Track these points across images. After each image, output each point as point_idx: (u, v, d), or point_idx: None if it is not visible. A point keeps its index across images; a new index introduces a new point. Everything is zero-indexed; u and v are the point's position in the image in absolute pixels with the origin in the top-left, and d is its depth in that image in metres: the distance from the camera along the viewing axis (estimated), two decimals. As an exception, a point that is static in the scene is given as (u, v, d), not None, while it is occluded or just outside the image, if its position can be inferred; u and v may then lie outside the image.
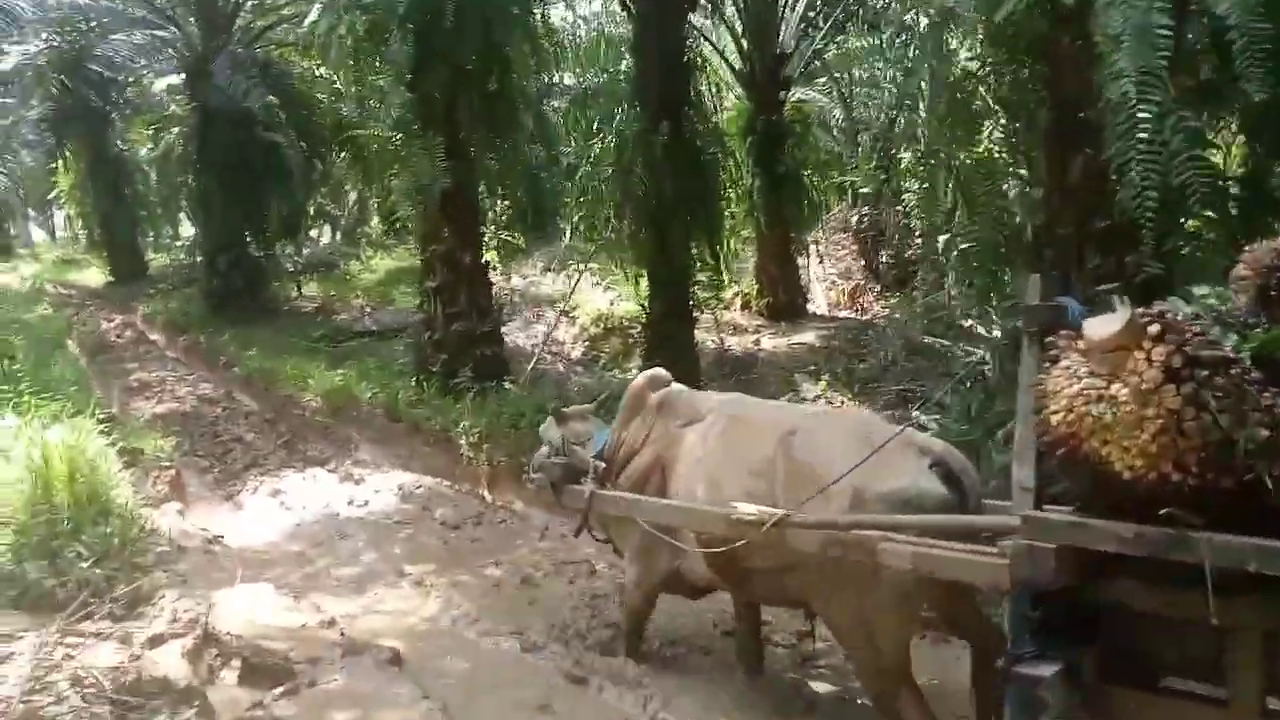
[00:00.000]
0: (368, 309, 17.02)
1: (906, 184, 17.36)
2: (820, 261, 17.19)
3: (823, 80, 17.26)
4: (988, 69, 5.87)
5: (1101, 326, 2.34)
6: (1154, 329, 2.21)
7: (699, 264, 11.01)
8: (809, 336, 13.61)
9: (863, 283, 17.18)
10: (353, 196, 26.24)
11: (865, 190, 17.49)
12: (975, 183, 6.06)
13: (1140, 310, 2.24)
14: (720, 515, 3.61)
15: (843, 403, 11.18)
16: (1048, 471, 2.51)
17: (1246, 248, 2.62)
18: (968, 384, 5.96)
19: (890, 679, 3.58)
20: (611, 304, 14.68)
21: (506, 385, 9.74)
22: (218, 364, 14.20)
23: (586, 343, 13.62)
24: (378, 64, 9.28)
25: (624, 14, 11.90)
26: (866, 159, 17.69)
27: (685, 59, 10.71)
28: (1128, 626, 2.45)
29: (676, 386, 4.74)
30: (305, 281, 19.47)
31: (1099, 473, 2.31)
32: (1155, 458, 2.19)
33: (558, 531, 6.74)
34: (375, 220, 26.25)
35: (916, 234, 17.73)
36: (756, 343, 13.47)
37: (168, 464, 8.17)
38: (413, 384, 10.09)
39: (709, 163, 10.97)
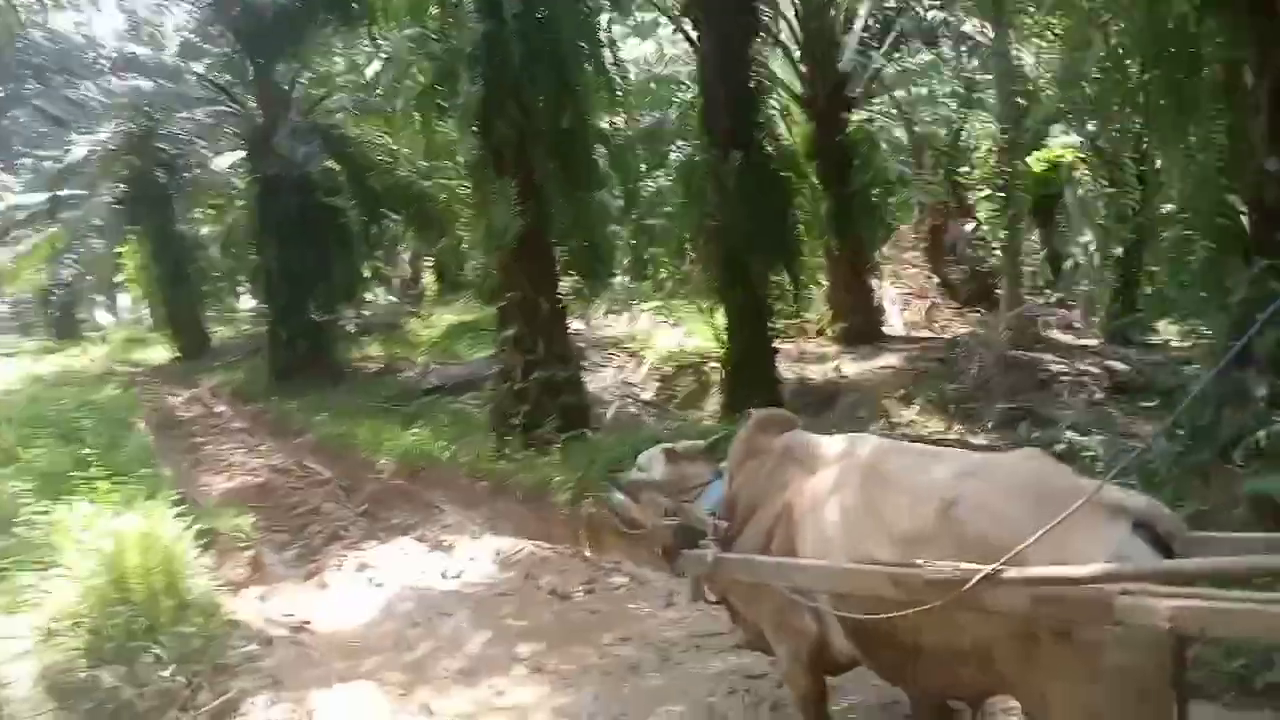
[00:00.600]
0: (432, 365, 16.83)
1: (978, 195, 16.89)
2: (893, 282, 16.63)
3: (880, 100, 16.84)
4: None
5: None
6: None
7: (779, 293, 10.55)
8: (892, 359, 13.02)
9: (938, 300, 16.58)
10: (407, 255, 26.45)
11: (931, 204, 17.05)
12: (1185, 164, 5.10)
13: None
14: (895, 575, 3.06)
15: (943, 430, 10.56)
16: None
17: None
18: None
19: None
20: (680, 343, 14.26)
21: (588, 434, 9.32)
22: (288, 432, 14.04)
23: (658, 383, 13.19)
24: (446, 109, 9.06)
25: (675, 51, 11.69)
26: (931, 174, 17.24)
27: (753, 85, 10.38)
28: None
29: (800, 431, 4.15)
30: (369, 343, 19.44)
31: None
32: None
33: (685, 597, 6.18)
34: (430, 276, 26.37)
35: (993, 246, 17.17)
36: (837, 370, 12.90)
37: (245, 544, 7.79)
38: (493, 439, 9.71)
39: (783, 189, 10.61)
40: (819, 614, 3.61)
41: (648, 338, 15.31)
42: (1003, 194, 15.57)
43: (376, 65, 8.80)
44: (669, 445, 4.49)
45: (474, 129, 8.75)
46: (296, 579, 7.98)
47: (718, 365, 11.53)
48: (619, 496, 4.42)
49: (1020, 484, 3.05)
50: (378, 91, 8.55)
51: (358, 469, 11.50)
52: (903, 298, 16.40)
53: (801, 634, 3.76)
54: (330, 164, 14.47)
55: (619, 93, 10.49)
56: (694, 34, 10.63)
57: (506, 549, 7.95)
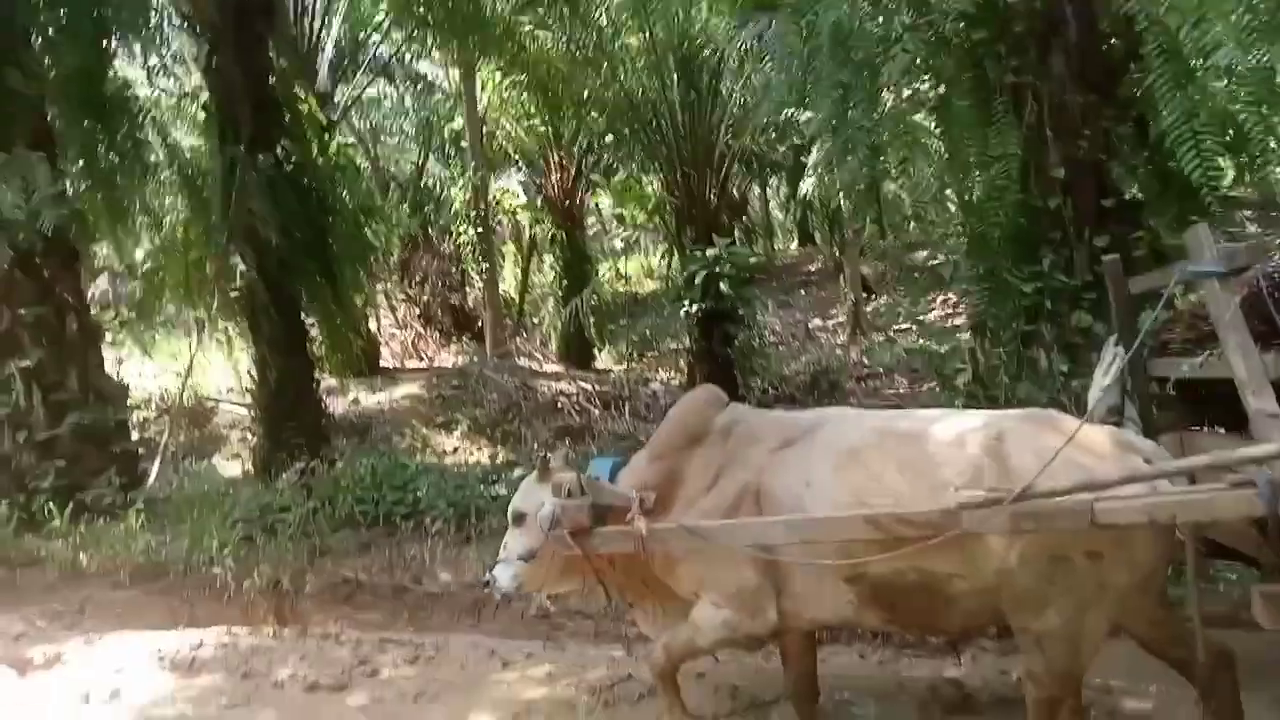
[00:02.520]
0: None
1: (459, 229, 17.37)
2: (380, 312, 16.19)
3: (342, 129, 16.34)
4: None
5: None
6: None
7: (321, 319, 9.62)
8: (411, 389, 12.69)
9: (421, 331, 16.63)
10: None
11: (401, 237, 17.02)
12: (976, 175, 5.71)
13: None
14: (917, 515, 3.14)
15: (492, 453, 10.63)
16: None
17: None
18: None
19: (1071, 686, 3.41)
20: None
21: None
22: None
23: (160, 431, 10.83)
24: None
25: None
26: (395, 206, 17.22)
27: (270, 86, 9.32)
28: None
29: (739, 406, 4.06)
30: None
31: None
32: None
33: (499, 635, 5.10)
34: None
35: (470, 279, 17.83)
36: (356, 402, 12.14)
37: None
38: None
39: (320, 204, 9.66)
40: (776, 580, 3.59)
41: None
42: (479, 229, 16.41)
43: None
44: (544, 458, 4.09)
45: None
46: None
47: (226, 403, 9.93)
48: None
49: (1050, 425, 3.40)
50: None
51: None
52: (386, 330, 16.08)
53: (761, 606, 3.66)
54: None
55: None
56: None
57: (172, 646, 5.40)
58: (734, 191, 17.05)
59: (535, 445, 10.50)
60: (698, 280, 10.28)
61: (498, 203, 16.92)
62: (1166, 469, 2.89)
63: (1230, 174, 4.82)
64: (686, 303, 10.72)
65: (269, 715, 4.53)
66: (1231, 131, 4.76)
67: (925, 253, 19.03)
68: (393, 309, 17.27)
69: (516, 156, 17.45)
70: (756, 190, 22.34)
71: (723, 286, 10.33)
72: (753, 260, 11.48)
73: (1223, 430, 3.76)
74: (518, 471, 7.63)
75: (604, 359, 16.88)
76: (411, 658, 5.07)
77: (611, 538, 3.61)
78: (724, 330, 10.79)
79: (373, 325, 15.23)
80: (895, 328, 16.11)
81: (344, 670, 4.98)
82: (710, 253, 10.30)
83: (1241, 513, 2.77)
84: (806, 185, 18.25)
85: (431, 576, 6.12)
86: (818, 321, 17.94)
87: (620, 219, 21.90)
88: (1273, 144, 4.64)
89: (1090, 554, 3.15)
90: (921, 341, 14.12)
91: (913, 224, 20.50)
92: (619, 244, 25.63)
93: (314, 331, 10.18)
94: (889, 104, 5.77)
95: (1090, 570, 3.17)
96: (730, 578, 3.67)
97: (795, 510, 3.48)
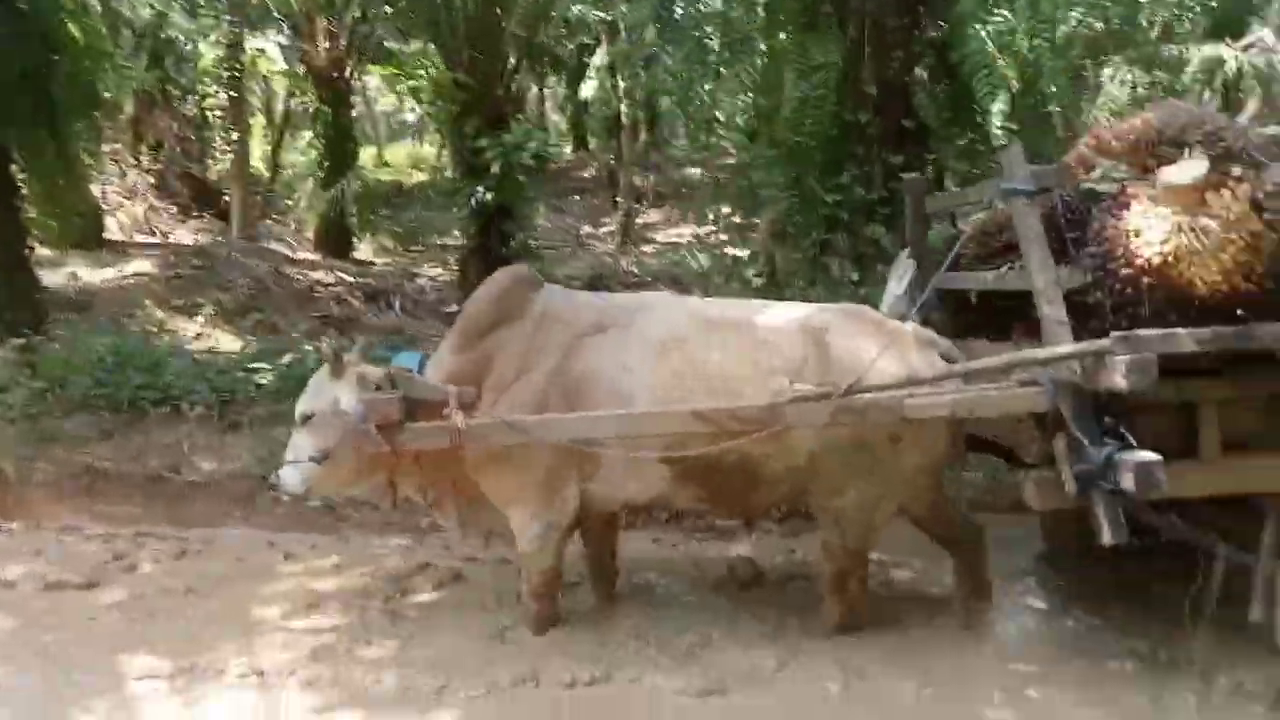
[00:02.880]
0: None
1: (205, 90, 15.41)
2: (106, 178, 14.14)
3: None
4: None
5: (1176, 175, 2.89)
6: (1235, 172, 2.87)
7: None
8: (144, 266, 11.30)
9: (155, 203, 14.77)
10: None
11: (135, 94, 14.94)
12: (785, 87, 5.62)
13: (1207, 160, 2.85)
14: (750, 409, 3.28)
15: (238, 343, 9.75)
16: (1126, 300, 2.98)
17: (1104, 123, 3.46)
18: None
19: (861, 559, 3.75)
20: None
21: None
22: None
23: None
24: None
25: None
26: (130, 55, 15.00)
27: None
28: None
29: (552, 287, 3.87)
30: None
31: (1177, 293, 2.89)
32: (1232, 274, 2.87)
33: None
34: None
35: (217, 148, 15.97)
36: (75, 277, 10.64)
37: None
38: None
39: (41, 32, 8.20)
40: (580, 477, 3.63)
41: None
42: (230, 94, 14.64)
43: None
44: (337, 352, 3.74)
45: None
46: None
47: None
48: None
49: (865, 319, 3.68)
50: None
51: None
52: (114, 198, 14.12)
53: (566, 497, 3.66)
54: None
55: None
56: None
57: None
58: (513, 87, 16.44)
59: (294, 335, 9.77)
60: (494, 168, 9.76)
61: (253, 64, 15.19)
62: (971, 367, 3.16)
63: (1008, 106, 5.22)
64: (467, 195, 10.20)
65: (-1, 618, 3.96)
66: (1024, 69, 5.18)
67: (699, 171, 19.60)
68: (121, 175, 15.17)
69: (279, 16, 15.63)
70: (534, 89, 21.73)
71: (520, 178, 9.92)
72: (551, 149, 11.05)
73: (988, 339, 4.19)
74: (287, 358, 7.04)
75: (364, 250, 15.94)
76: (176, 552, 4.65)
77: (425, 433, 3.45)
78: (504, 228, 10.46)
79: (96, 191, 13.31)
80: (665, 239, 16.50)
81: (93, 567, 4.47)
82: (508, 138, 9.83)
83: (1028, 408, 3.10)
84: (588, 88, 18.01)
85: (191, 466, 5.56)
86: (589, 229, 17.99)
87: (391, 101, 20.50)
88: (1053, 88, 5.11)
89: (892, 439, 3.44)
90: (688, 255, 14.59)
91: (690, 139, 21.00)
92: (386, 128, 24.10)
93: (26, 190, 8.69)
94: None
95: (890, 455, 3.47)
96: (539, 468, 3.63)
97: (614, 394, 3.48)
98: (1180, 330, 2.84)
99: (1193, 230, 2.80)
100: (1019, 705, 3.24)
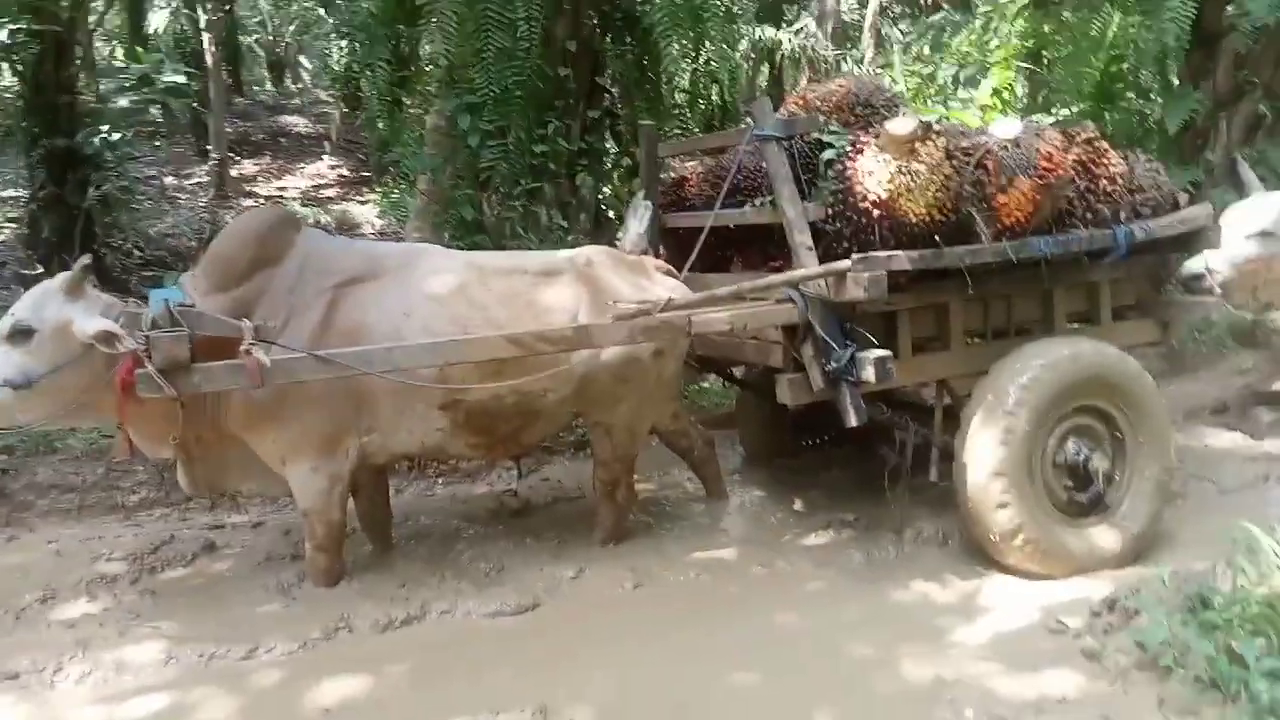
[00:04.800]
0: None
1: None
2: None
3: None
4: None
5: (897, 127, 3.50)
6: (936, 127, 3.54)
7: None
8: None
9: None
10: None
11: None
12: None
13: (920, 119, 3.50)
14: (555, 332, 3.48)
15: None
16: (860, 228, 3.55)
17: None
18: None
19: (629, 467, 4.02)
20: None
21: None
22: None
23: None
24: None
25: None
26: None
27: None
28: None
29: (313, 231, 3.55)
30: None
31: (897, 222, 3.53)
32: (932, 207, 3.56)
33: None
34: None
35: None
36: None
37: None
38: None
39: None
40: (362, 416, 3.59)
41: None
42: None
43: None
44: (71, 276, 3.24)
45: None
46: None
47: None
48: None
49: (618, 257, 4.04)
50: None
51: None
52: None
53: (347, 452, 3.57)
54: None
55: None
56: None
57: None
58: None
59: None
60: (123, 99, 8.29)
61: None
62: (745, 288, 3.65)
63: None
64: (31, 137, 8.61)
65: None
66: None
67: (296, 117, 18.49)
68: None
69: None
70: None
71: (104, 131, 8.50)
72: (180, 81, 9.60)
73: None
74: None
75: None
76: None
77: (220, 374, 3.14)
78: (84, 176, 9.01)
79: None
80: (267, 192, 15.38)
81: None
82: (136, 68, 8.46)
83: (786, 320, 3.67)
84: (159, 19, 15.97)
85: None
86: (172, 180, 16.18)
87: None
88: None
89: (655, 354, 3.85)
90: (303, 207, 13.83)
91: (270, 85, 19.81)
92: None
93: None
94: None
95: (655, 367, 3.89)
96: (319, 420, 3.52)
97: (394, 341, 3.46)
98: (899, 252, 3.55)
99: (908, 173, 3.51)
100: (775, 577, 3.82)
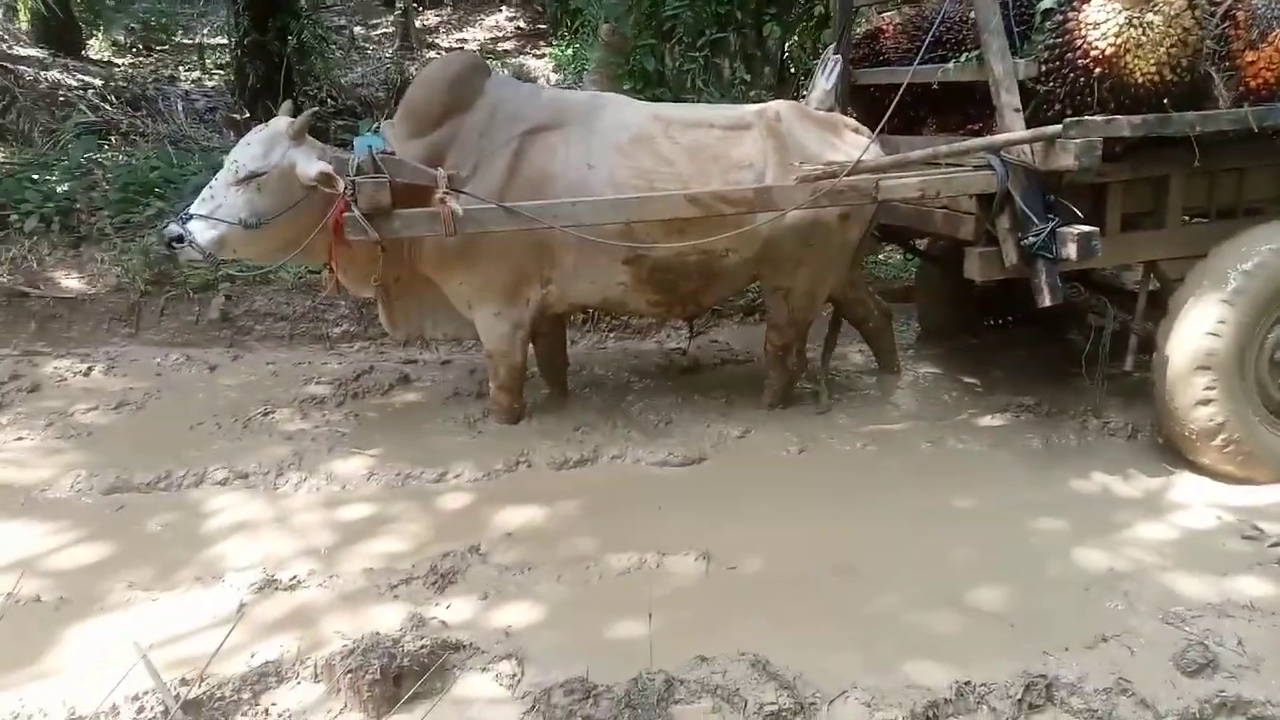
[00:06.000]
0: None
1: None
2: None
3: None
4: None
5: None
6: None
7: None
8: None
9: None
10: None
11: None
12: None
13: None
14: (757, 190, 3.44)
15: None
16: (1077, 89, 3.27)
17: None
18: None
19: (803, 332, 4.03)
20: None
21: None
22: None
23: None
24: None
25: None
26: None
27: None
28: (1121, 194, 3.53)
29: (502, 75, 3.59)
30: None
31: (1119, 83, 3.22)
32: (1164, 66, 3.22)
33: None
34: None
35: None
36: None
37: None
38: None
39: None
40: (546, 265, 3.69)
41: None
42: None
43: None
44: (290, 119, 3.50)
45: None
46: None
47: None
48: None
49: (810, 114, 3.87)
50: None
51: None
52: None
53: (530, 301, 3.72)
54: None
55: None
56: None
57: None
58: None
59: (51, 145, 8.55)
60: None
61: None
62: (940, 151, 3.44)
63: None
64: None
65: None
66: None
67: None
68: None
69: None
70: None
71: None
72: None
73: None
74: (121, 161, 6.22)
75: (97, 48, 13.72)
76: (83, 370, 4.22)
77: (417, 220, 3.30)
78: (283, 22, 9.34)
79: None
80: (450, 44, 15.54)
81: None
82: None
83: (983, 188, 3.44)
84: None
85: (51, 284, 4.93)
86: (360, 30, 16.56)
87: None
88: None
89: (842, 217, 3.72)
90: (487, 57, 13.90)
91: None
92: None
93: None
94: None
95: (839, 231, 3.77)
96: (504, 267, 3.65)
97: (579, 192, 3.50)
98: (1120, 117, 3.23)
99: (1140, 25, 3.14)
100: (945, 454, 3.74)
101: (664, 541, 2.91)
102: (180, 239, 3.29)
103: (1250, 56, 3.23)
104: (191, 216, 3.32)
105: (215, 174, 3.42)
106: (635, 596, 2.62)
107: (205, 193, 3.39)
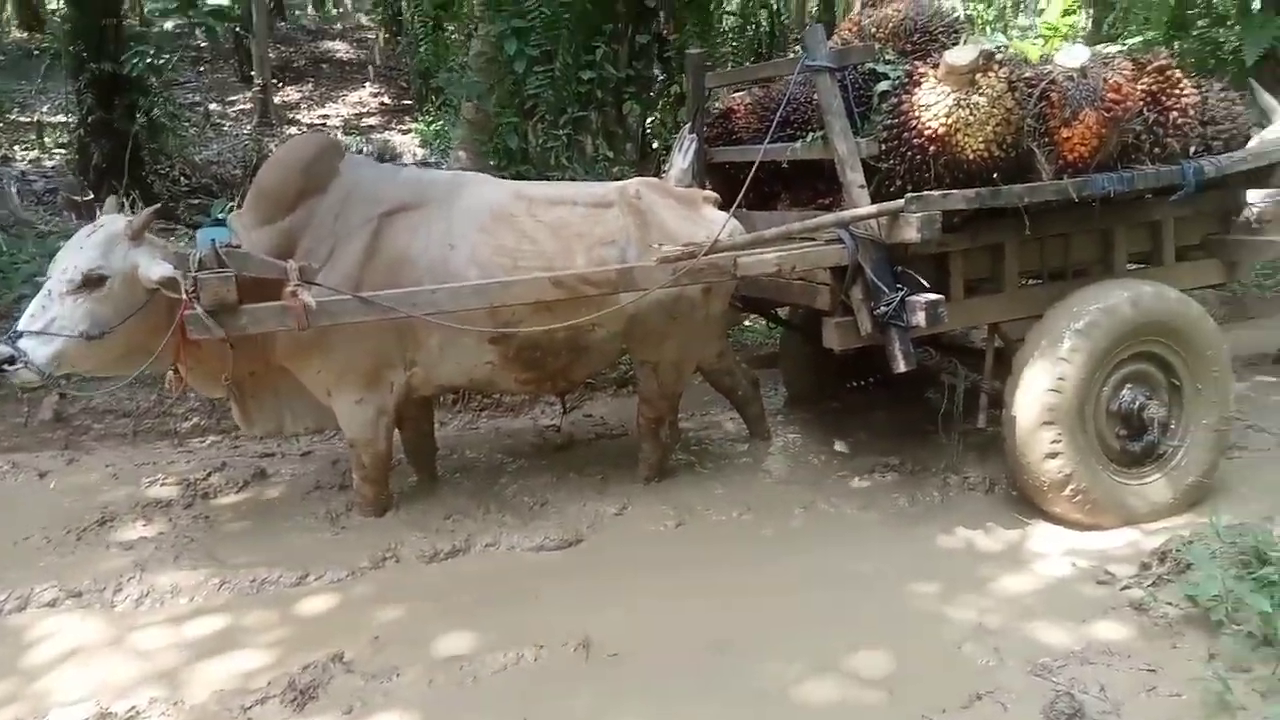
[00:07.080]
0: None
1: None
2: None
3: None
4: None
5: (957, 58, 3.34)
6: (999, 57, 3.38)
7: None
8: None
9: None
10: None
11: None
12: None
13: (982, 47, 3.34)
14: (623, 270, 3.43)
15: None
16: (915, 165, 3.42)
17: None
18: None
19: (674, 405, 4.03)
20: None
21: None
22: None
23: None
24: None
25: None
26: None
27: None
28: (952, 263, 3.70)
29: (356, 157, 3.46)
30: None
31: (953, 159, 3.40)
32: (991, 143, 3.42)
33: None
34: None
35: None
36: None
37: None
38: None
39: None
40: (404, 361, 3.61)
41: None
42: None
43: None
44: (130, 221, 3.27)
45: None
46: None
47: None
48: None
49: (670, 190, 3.93)
50: None
51: None
52: None
53: (393, 385, 3.60)
54: None
55: None
56: None
57: None
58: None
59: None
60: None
61: None
62: (793, 229, 3.56)
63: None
64: (78, 61, 8.51)
65: None
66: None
67: (339, 43, 18.31)
68: None
69: None
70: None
71: (145, 49, 8.38)
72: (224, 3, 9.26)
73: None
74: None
75: None
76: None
77: (267, 315, 3.14)
78: (131, 99, 8.98)
79: None
80: (310, 119, 15.31)
81: None
82: None
83: (835, 261, 3.57)
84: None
85: None
86: (216, 107, 16.14)
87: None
88: None
89: (705, 292, 3.79)
90: (345, 135, 13.73)
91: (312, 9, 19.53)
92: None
93: None
94: None
95: (703, 305, 3.83)
96: (363, 353, 3.53)
97: (439, 273, 3.46)
98: (955, 191, 3.42)
99: (967, 106, 3.36)
100: (817, 518, 3.79)
101: (542, 633, 2.81)
102: (11, 360, 3.00)
103: (1065, 133, 3.48)
104: (22, 334, 3.04)
105: (43, 282, 3.17)
106: (513, 698, 2.51)
107: (33, 307, 3.12)
